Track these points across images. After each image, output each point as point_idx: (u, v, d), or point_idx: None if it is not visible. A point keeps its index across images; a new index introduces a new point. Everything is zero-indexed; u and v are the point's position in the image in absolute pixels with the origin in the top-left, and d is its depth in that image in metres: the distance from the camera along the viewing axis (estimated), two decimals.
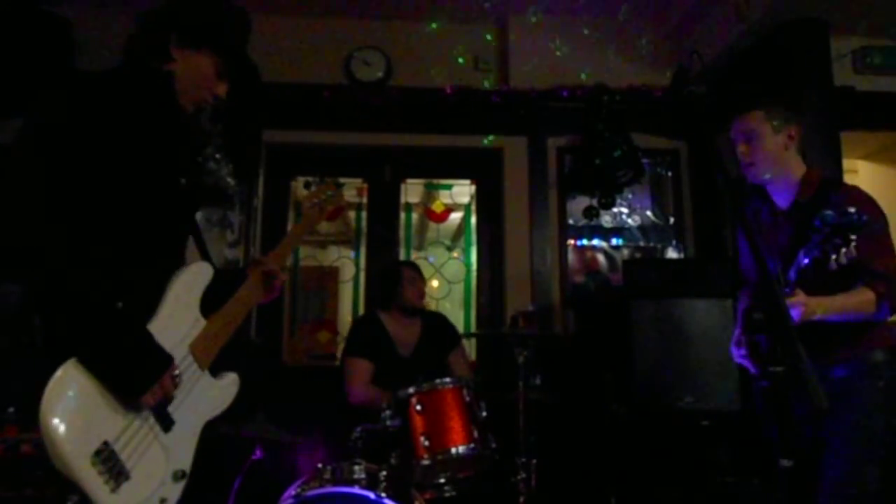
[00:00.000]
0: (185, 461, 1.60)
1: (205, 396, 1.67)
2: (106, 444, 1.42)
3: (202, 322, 1.68)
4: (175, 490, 1.56)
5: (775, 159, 2.22)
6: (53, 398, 1.38)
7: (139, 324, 1.53)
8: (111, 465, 1.42)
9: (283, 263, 1.96)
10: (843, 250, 1.71)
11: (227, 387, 1.76)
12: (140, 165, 1.58)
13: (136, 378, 1.47)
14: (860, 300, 2.01)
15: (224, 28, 1.74)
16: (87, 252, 1.45)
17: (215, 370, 1.74)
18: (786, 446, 1.71)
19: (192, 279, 1.69)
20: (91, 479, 1.38)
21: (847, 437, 2.03)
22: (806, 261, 1.81)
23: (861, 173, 4.92)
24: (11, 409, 2.68)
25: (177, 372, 1.56)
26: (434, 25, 4.36)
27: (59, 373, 1.40)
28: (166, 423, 1.56)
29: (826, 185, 2.19)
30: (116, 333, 1.47)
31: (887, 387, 2.04)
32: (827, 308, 1.97)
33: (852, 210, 1.71)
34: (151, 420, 1.53)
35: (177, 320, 1.63)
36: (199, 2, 1.74)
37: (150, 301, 1.59)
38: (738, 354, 2.19)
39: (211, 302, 1.72)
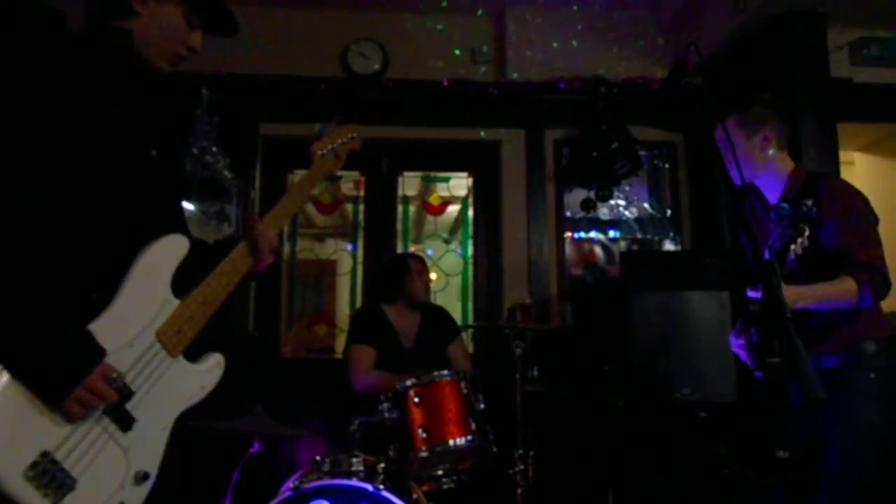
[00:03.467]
0: (150, 460, 1.43)
1: (176, 386, 1.49)
2: (45, 454, 1.27)
3: (174, 303, 1.49)
4: (136, 493, 1.40)
5: (752, 162, 2.24)
6: None
7: (61, 315, 1.32)
8: (50, 476, 1.27)
9: (282, 224, 1.77)
10: (799, 240, 1.76)
11: (208, 370, 1.57)
12: (99, 135, 1.42)
13: (53, 379, 1.28)
14: (840, 289, 2.01)
15: None
16: (16, 234, 1.29)
17: (197, 354, 1.57)
18: (782, 437, 1.72)
19: (161, 256, 1.49)
20: (26, 494, 1.24)
21: (840, 429, 2.04)
22: (767, 255, 1.83)
23: (858, 165, 4.92)
24: None
25: (114, 375, 1.35)
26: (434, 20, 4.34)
27: None
28: (124, 422, 1.39)
29: (812, 179, 2.22)
30: (29, 327, 1.28)
31: (879, 378, 2.06)
32: (803, 297, 1.98)
33: (808, 203, 1.77)
34: (105, 421, 1.37)
35: (140, 304, 1.45)
36: None
37: (115, 283, 1.42)
38: (735, 344, 2.21)
39: (190, 279, 1.55)
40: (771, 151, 2.25)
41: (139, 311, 1.44)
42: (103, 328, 1.38)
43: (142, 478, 1.41)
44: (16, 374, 1.26)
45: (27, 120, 1.33)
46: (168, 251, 1.51)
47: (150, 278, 1.47)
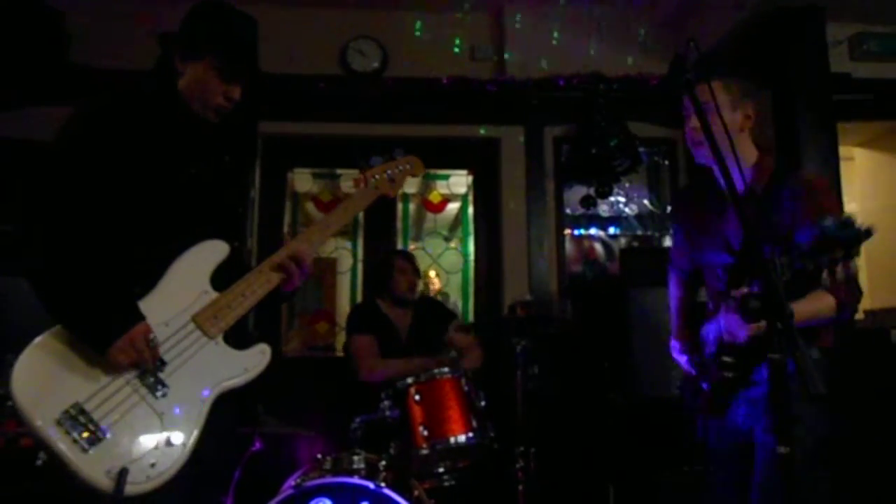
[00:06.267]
0: (186, 428, 1.56)
1: (214, 364, 1.65)
2: (76, 405, 1.47)
3: (211, 294, 1.71)
4: (169, 455, 1.52)
5: (725, 137, 1.82)
6: (22, 365, 1.48)
7: (116, 283, 1.59)
8: (80, 425, 1.45)
9: (319, 240, 1.93)
10: (840, 266, 1.48)
11: (251, 356, 1.72)
12: (145, 160, 1.69)
13: (101, 330, 1.53)
14: (819, 307, 1.87)
15: (218, 35, 1.80)
16: (81, 231, 1.58)
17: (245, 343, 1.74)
18: (783, 433, 1.71)
19: (200, 256, 1.73)
20: (58, 439, 1.43)
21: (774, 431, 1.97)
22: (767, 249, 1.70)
23: (857, 161, 4.92)
24: (10, 403, 2.68)
25: (152, 335, 1.57)
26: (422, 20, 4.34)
27: (34, 342, 1.51)
28: (157, 388, 1.57)
29: (781, 172, 2.02)
30: (88, 287, 1.56)
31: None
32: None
33: (852, 221, 1.43)
34: (137, 384, 1.55)
35: (177, 293, 1.67)
36: (196, 16, 1.82)
37: (157, 280, 1.67)
38: (676, 348, 2.14)
39: (234, 277, 1.75)
40: (747, 133, 2.04)
41: (176, 299, 1.67)
42: (142, 308, 1.62)
43: (174, 442, 1.54)
44: (73, 327, 1.53)
45: (100, 162, 1.64)
46: (207, 252, 1.74)
47: (188, 274, 1.71)
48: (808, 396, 1.34)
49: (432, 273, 5.07)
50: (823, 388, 1.35)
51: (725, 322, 1.90)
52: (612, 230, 4.50)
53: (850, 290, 1.89)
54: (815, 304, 1.87)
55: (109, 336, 1.52)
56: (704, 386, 2.08)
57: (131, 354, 1.53)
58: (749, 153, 2.05)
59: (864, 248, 1.77)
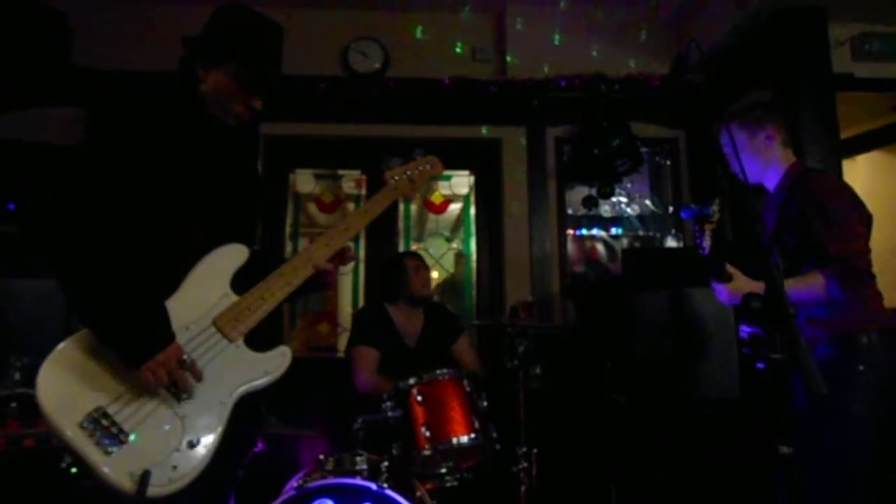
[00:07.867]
0: (207, 430, 1.58)
1: (234, 367, 1.66)
2: (99, 408, 1.49)
3: (232, 297, 1.71)
4: (190, 458, 1.54)
5: (758, 160, 2.34)
6: (46, 370, 1.49)
7: (154, 300, 1.60)
8: (103, 429, 1.47)
9: (338, 245, 1.93)
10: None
11: (271, 359, 1.72)
12: (167, 164, 1.70)
13: (135, 349, 1.53)
14: (803, 284, 2.10)
15: (241, 45, 1.78)
16: (107, 235, 1.57)
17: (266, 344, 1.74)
18: (785, 433, 1.71)
19: (221, 260, 1.74)
20: (80, 441, 1.45)
21: (830, 426, 2.03)
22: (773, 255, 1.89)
23: (859, 160, 4.91)
24: (14, 405, 2.69)
25: (184, 357, 1.57)
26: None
27: (58, 347, 1.52)
28: (179, 392, 1.57)
29: (804, 174, 2.29)
30: (130, 303, 1.55)
31: (867, 371, 2.05)
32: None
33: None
34: (158, 388, 1.56)
35: (199, 296, 1.68)
36: (218, 23, 1.81)
37: (178, 284, 1.67)
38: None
39: (254, 280, 1.76)
40: (776, 148, 2.32)
41: (196, 303, 1.67)
42: None
43: (195, 445, 1.55)
44: (108, 342, 1.52)
45: (121, 166, 1.64)
46: (228, 256, 1.75)
47: (209, 277, 1.71)
48: (812, 396, 1.35)
49: (434, 274, 5.06)
50: (825, 388, 1.35)
51: (716, 289, 2.27)
52: (613, 230, 4.50)
53: (839, 270, 2.06)
54: (798, 281, 2.10)
55: (142, 355, 1.53)
56: (759, 365, 2.21)
57: (162, 377, 1.54)
58: (784, 158, 2.34)
59: None
